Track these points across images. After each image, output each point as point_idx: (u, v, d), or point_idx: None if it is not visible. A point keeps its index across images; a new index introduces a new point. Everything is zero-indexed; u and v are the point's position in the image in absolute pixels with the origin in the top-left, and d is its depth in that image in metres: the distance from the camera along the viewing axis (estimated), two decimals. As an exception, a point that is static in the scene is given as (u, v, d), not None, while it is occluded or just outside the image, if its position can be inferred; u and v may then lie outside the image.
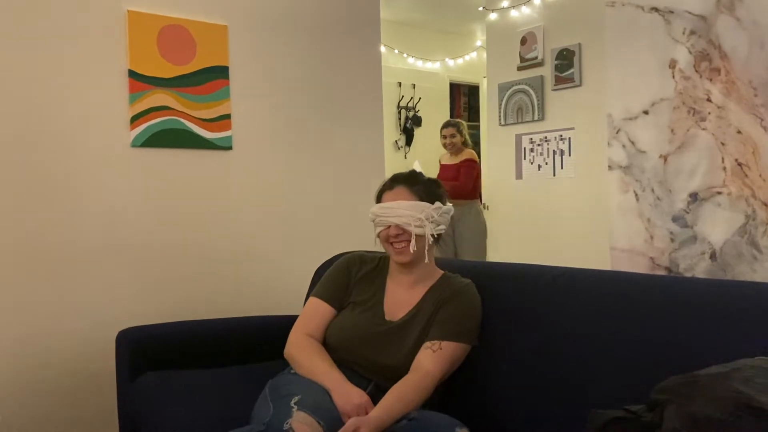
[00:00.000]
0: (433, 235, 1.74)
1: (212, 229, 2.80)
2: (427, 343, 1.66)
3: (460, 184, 4.73)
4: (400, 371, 1.64)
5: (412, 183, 1.78)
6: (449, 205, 1.83)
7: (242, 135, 2.87)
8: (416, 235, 1.72)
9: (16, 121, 2.40)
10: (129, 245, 2.60)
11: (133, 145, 2.61)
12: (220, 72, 2.80)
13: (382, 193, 1.82)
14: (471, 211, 4.77)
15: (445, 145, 4.93)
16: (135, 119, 2.61)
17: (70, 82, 2.49)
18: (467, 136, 4.97)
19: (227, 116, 2.82)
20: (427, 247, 1.74)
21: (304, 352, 1.74)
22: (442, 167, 5.00)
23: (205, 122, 2.76)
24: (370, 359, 1.70)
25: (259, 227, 2.94)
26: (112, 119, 2.58)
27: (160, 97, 2.65)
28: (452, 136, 4.87)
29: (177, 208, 2.72)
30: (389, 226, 1.74)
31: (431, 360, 1.62)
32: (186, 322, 2.36)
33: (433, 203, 1.75)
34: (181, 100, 2.69)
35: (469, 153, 4.93)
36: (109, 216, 2.57)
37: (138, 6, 2.61)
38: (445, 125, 4.95)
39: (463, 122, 5.04)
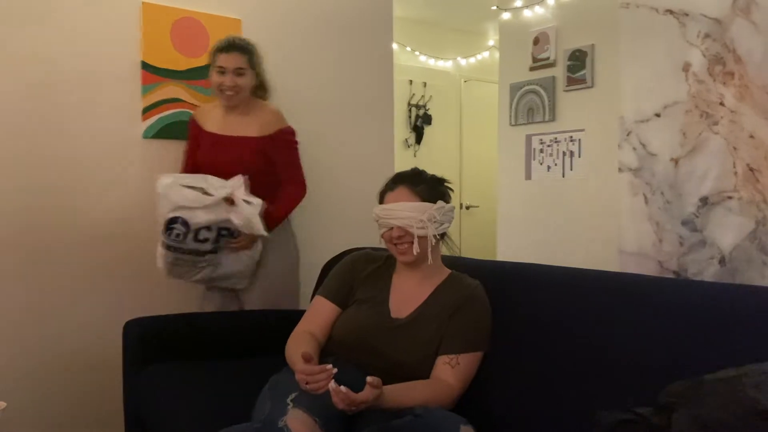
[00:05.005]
0: (435, 236, 1.74)
1: (221, 222, 2.80)
2: (444, 358, 1.66)
3: (293, 190, 2.58)
4: (407, 368, 1.65)
5: (414, 183, 1.76)
6: (452, 204, 1.81)
7: (253, 129, 2.87)
8: (419, 236, 1.71)
9: (28, 110, 2.41)
10: (138, 236, 2.61)
11: (145, 136, 2.62)
12: (233, 66, 2.80)
13: (384, 194, 1.81)
14: (285, 230, 2.61)
15: (221, 89, 2.45)
16: (147, 111, 2.62)
17: (84, 72, 2.51)
18: (265, 77, 2.58)
19: (238, 110, 2.82)
20: (430, 248, 1.73)
21: (294, 347, 1.73)
22: (211, 140, 2.50)
23: (217, 115, 2.76)
24: (377, 356, 1.69)
25: (268, 221, 2.94)
26: (125, 110, 2.59)
27: (172, 90, 2.66)
28: (239, 71, 2.44)
29: (186, 200, 2.72)
30: (392, 228, 1.74)
31: (451, 375, 1.64)
32: (194, 314, 2.38)
33: (435, 202, 1.74)
34: (192, 93, 2.70)
35: (274, 115, 2.56)
36: (119, 206, 2.58)
37: (152, -2, 2.62)
38: (226, 47, 2.44)
39: (257, 49, 2.52)
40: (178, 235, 2.25)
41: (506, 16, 4.71)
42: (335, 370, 1.45)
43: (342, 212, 3.13)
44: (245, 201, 2.31)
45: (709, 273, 2.71)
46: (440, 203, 1.75)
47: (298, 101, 3.02)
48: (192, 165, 2.53)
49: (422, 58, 5.89)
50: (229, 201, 2.30)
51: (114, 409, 2.35)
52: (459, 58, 6.11)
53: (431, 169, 1.85)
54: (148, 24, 2.61)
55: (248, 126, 2.50)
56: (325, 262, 2.39)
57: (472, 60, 6.16)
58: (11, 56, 2.37)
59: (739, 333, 1.29)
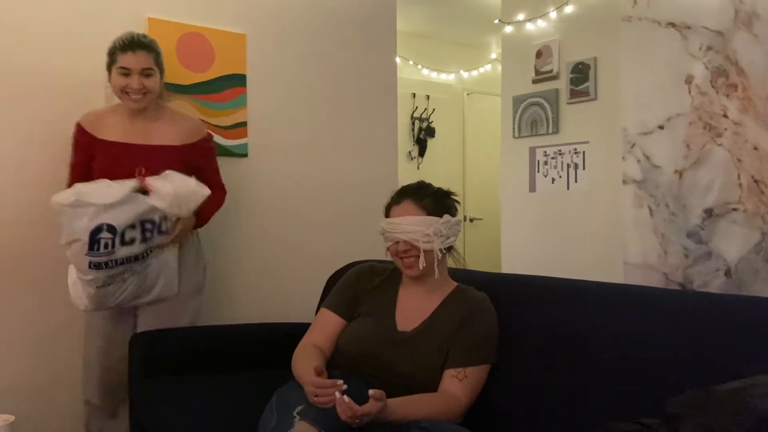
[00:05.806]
0: (442, 249, 1.74)
1: (226, 235, 2.81)
2: (452, 371, 1.66)
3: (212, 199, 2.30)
4: (413, 381, 1.64)
5: (419, 197, 1.76)
6: (458, 217, 1.80)
7: (258, 143, 2.89)
8: (425, 250, 1.71)
9: (31, 125, 2.42)
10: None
11: (150, 150, 2.63)
12: (238, 80, 2.82)
13: (390, 208, 1.80)
14: (196, 248, 2.45)
15: (125, 91, 2.21)
16: (153, 125, 2.63)
17: (89, 87, 2.52)
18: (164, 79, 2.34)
19: (244, 124, 2.84)
20: (436, 262, 1.73)
21: (301, 360, 1.74)
22: (115, 150, 2.25)
23: (222, 129, 2.78)
24: (383, 369, 1.69)
25: (273, 235, 2.95)
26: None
27: (178, 104, 2.67)
28: (147, 72, 2.22)
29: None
30: (397, 242, 1.74)
31: (459, 388, 1.63)
32: (198, 328, 2.37)
33: (441, 216, 1.74)
34: (198, 107, 2.72)
35: (196, 122, 2.46)
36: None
37: (158, 13, 2.64)
38: (130, 45, 2.21)
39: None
40: (106, 245, 2.00)
41: (509, 29, 4.73)
42: (345, 386, 1.45)
43: (346, 225, 3.14)
44: (162, 180, 2.11)
45: (715, 285, 2.70)
46: (446, 217, 1.75)
47: (302, 115, 3.04)
48: (83, 180, 2.16)
49: (425, 71, 5.92)
50: (143, 190, 2.08)
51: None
52: (461, 71, 6.14)
53: (435, 182, 1.84)
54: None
55: (165, 133, 2.31)
56: (330, 274, 2.39)
57: (474, 73, 6.19)
58: (14, 69, 2.39)
59: (746, 344, 1.29)
